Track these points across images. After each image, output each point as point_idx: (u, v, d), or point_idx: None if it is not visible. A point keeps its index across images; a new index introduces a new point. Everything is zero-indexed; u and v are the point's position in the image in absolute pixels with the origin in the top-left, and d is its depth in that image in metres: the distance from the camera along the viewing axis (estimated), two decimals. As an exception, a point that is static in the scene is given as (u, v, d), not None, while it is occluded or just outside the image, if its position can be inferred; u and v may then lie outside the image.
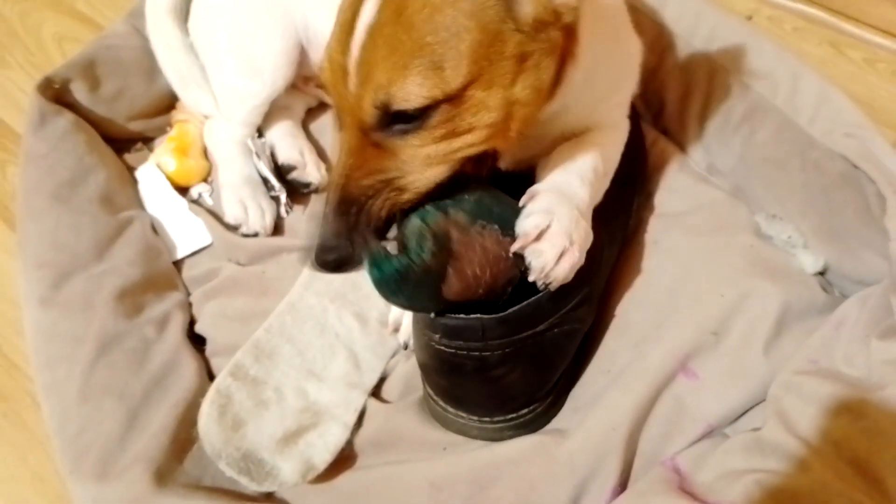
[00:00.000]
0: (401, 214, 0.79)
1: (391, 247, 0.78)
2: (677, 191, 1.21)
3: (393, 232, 0.79)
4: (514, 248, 0.80)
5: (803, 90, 1.16)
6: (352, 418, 0.99)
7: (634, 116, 1.18)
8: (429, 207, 0.79)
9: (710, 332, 1.00)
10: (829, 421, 0.87)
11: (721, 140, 1.22)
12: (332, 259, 0.77)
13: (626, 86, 1.04)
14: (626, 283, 1.09)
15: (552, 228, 0.80)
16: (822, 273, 1.10)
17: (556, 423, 0.99)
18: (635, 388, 0.96)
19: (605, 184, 0.97)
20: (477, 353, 0.85)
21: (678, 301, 1.05)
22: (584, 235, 0.84)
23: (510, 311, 0.83)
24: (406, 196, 0.78)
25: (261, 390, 1.00)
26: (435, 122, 0.74)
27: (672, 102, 1.28)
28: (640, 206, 1.18)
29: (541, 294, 0.84)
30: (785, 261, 1.10)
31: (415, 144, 0.76)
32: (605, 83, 0.96)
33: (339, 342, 1.06)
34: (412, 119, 0.74)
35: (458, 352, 0.85)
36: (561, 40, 0.80)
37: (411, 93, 0.72)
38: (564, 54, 0.83)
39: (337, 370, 1.03)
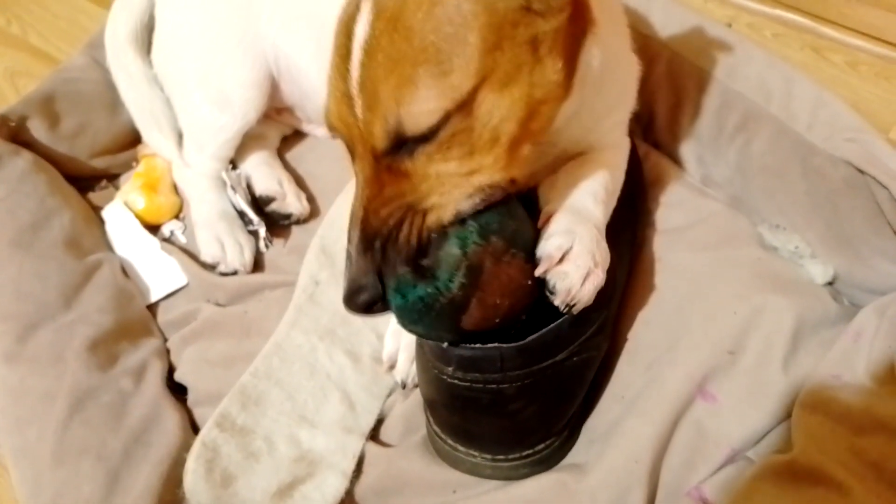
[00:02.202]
0: (441, 233, 0.72)
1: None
2: (675, 205, 1.17)
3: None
4: (539, 272, 0.75)
5: (798, 96, 1.13)
6: (350, 465, 0.92)
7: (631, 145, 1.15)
8: (471, 229, 0.72)
9: (726, 352, 0.95)
10: (864, 440, 0.83)
11: (715, 150, 1.19)
12: (364, 300, 0.72)
13: (627, 102, 0.99)
14: (633, 303, 1.04)
15: (575, 249, 0.77)
16: (830, 283, 1.07)
17: (572, 456, 0.94)
18: (653, 415, 0.91)
19: (614, 202, 0.93)
20: (494, 386, 0.80)
21: (689, 320, 1.00)
22: (605, 255, 0.81)
23: (530, 338, 0.78)
24: (432, 219, 0.72)
25: (250, 441, 0.94)
26: (447, 136, 0.68)
27: (662, 114, 1.25)
28: (640, 223, 1.13)
29: (562, 319, 0.79)
30: (794, 272, 1.06)
31: (429, 163, 0.69)
32: (609, 95, 0.92)
33: (331, 383, 1.00)
34: (425, 137, 0.68)
35: (474, 385, 0.80)
36: (571, 12, 0.73)
37: (421, 111, 0.66)
38: (577, 33, 0.76)
39: (330, 414, 0.97)
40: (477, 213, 0.73)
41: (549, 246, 0.77)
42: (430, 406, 0.91)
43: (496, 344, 0.77)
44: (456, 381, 0.80)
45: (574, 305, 0.76)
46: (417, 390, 0.97)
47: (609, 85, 0.90)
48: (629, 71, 0.98)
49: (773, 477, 0.85)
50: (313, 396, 0.99)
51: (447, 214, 0.72)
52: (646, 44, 1.23)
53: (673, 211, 1.16)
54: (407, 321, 0.74)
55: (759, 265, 1.06)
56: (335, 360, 1.02)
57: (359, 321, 1.03)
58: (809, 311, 1.00)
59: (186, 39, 1.20)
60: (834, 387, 0.91)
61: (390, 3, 0.66)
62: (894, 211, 0.97)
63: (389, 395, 1.01)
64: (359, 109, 0.68)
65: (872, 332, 0.95)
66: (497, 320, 0.75)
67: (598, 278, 0.77)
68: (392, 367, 1.01)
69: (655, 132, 1.27)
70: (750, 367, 0.95)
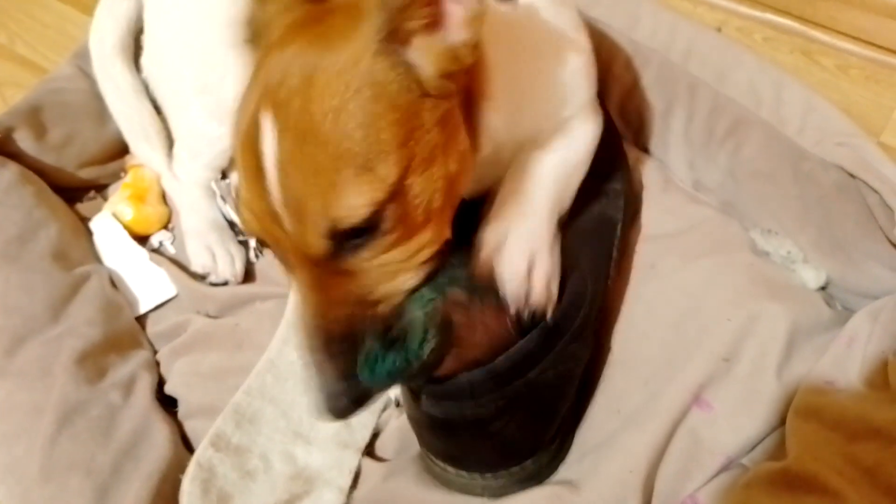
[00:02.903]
0: (398, 306, 0.73)
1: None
2: (666, 211, 1.16)
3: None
4: (478, 268, 0.76)
5: (788, 100, 1.12)
6: (346, 481, 0.92)
7: (611, 128, 1.14)
8: (425, 291, 0.73)
9: (721, 359, 0.95)
10: (858, 447, 0.82)
11: (706, 155, 1.18)
12: (345, 404, 0.71)
13: (576, 96, 0.96)
14: (625, 312, 1.03)
15: (508, 240, 0.79)
16: (823, 288, 1.06)
17: (565, 471, 0.92)
18: (649, 427, 0.91)
19: (576, 180, 0.94)
20: (469, 412, 0.79)
21: (684, 330, 1.00)
22: (549, 238, 0.83)
23: (497, 361, 0.77)
24: (386, 306, 0.72)
25: (246, 459, 0.93)
26: (387, 226, 0.68)
27: (652, 120, 1.24)
28: (626, 227, 1.11)
29: (527, 337, 0.79)
30: (786, 278, 1.06)
31: (372, 258, 0.70)
32: (541, 105, 0.91)
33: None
34: (362, 232, 0.68)
35: (450, 412, 0.79)
36: (464, 83, 0.75)
37: (352, 206, 0.65)
38: (472, 96, 0.78)
39: (326, 430, 0.96)
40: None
41: (483, 248, 0.79)
42: (416, 430, 0.90)
43: (464, 374, 0.76)
44: (433, 412, 0.80)
45: (537, 311, 0.77)
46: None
47: (536, 92, 0.89)
48: (563, 63, 0.93)
49: (767, 485, 0.84)
50: (308, 413, 0.97)
51: (399, 296, 0.73)
52: (634, 51, 1.22)
53: (665, 217, 1.15)
54: (381, 385, 0.72)
55: (751, 271, 1.05)
56: None
57: None
58: (803, 316, 1.00)
59: (183, 47, 1.17)
60: (828, 393, 0.91)
61: (294, 118, 0.65)
62: (886, 215, 0.96)
63: (385, 409, 1.00)
64: (287, 224, 0.67)
65: (866, 337, 0.95)
66: (474, 366, 0.76)
67: (545, 263, 0.78)
68: None
69: (646, 137, 1.26)
70: (744, 375, 0.95)
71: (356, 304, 0.70)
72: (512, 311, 0.77)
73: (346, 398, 0.71)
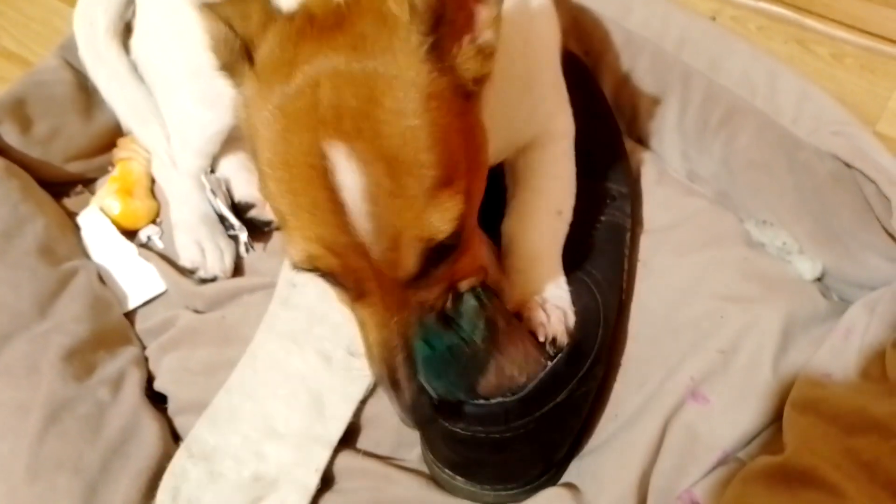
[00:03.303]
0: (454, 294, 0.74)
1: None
2: (660, 203, 1.15)
3: None
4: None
5: (782, 89, 1.11)
6: (314, 480, 0.90)
7: (616, 134, 1.13)
8: (479, 289, 0.76)
9: (717, 351, 0.94)
10: (856, 440, 0.81)
11: (700, 146, 1.17)
12: (427, 413, 0.73)
13: (548, 53, 0.98)
14: (621, 317, 1.02)
15: (529, 304, 0.85)
16: (819, 279, 1.05)
17: (566, 474, 0.93)
18: (645, 425, 0.91)
19: (564, 220, 0.96)
20: (497, 436, 0.80)
21: (677, 327, 0.99)
22: (562, 280, 0.90)
23: (531, 388, 0.78)
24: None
25: (218, 461, 0.93)
26: (464, 234, 0.70)
27: (645, 109, 1.23)
28: (632, 231, 1.11)
29: (556, 360, 0.81)
30: (781, 269, 1.05)
31: (452, 264, 0.72)
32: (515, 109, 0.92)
33: (303, 386, 0.97)
34: (449, 245, 0.68)
35: (476, 435, 0.79)
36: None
37: (444, 221, 0.66)
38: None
39: (298, 422, 0.94)
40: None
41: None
42: (428, 440, 0.90)
43: (500, 399, 0.77)
44: (458, 430, 0.80)
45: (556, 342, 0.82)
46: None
47: (520, 63, 0.90)
48: (532, 32, 0.94)
49: (764, 479, 0.83)
50: (286, 403, 0.96)
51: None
52: (627, 40, 1.21)
53: (658, 210, 1.14)
54: (432, 374, 0.72)
55: (746, 264, 1.04)
56: (308, 362, 0.99)
57: (337, 317, 1.00)
58: (799, 308, 0.99)
59: (176, 33, 1.13)
60: (825, 385, 0.90)
61: (369, 144, 0.63)
62: (882, 205, 0.95)
63: (365, 398, 0.97)
64: (376, 253, 0.66)
65: (863, 329, 0.94)
66: (509, 392, 0.77)
67: (565, 307, 0.86)
68: None
69: (639, 128, 1.25)
70: (740, 368, 0.94)
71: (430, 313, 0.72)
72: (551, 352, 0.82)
73: (428, 409, 0.73)
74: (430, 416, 0.73)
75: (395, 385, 0.72)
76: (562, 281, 0.90)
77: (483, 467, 0.86)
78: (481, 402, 0.76)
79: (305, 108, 0.64)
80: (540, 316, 0.83)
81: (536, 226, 0.94)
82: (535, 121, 0.97)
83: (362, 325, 0.73)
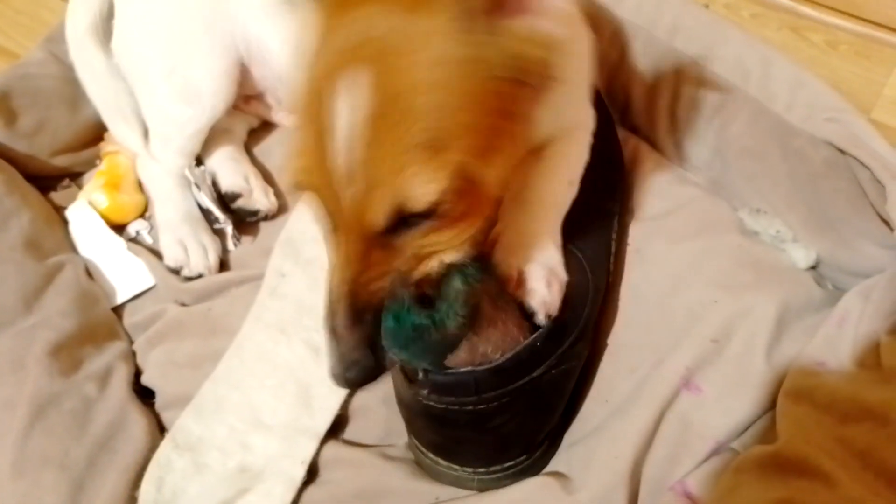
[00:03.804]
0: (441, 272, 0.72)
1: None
2: (653, 192, 1.14)
3: None
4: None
5: (776, 76, 1.10)
6: (300, 472, 0.89)
7: (609, 122, 1.12)
8: (472, 268, 0.73)
9: (710, 340, 0.93)
10: (850, 429, 0.80)
11: (693, 134, 1.16)
12: (357, 375, 0.72)
13: (583, 82, 0.96)
14: (612, 302, 1.01)
15: (528, 270, 0.81)
16: (813, 267, 1.04)
17: (554, 462, 0.91)
18: (636, 413, 0.89)
19: (573, 191, 0.93)
20: (471, 408, 0.77)
21: (671, 315, 0.98)
22: (559, 250, 0.86)
23: (505, 359, 0.76)
24: (421, 277, 0.72)
25: (204, 452, 0.91)
26: (444, 210, 0.67)
27: (638, 98, 1.22)
28: (623, 217, 1.10)
29: (535, 335, 0.78)
30: (775, 258, 1.04)
31: (425, 236, 0.69)
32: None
33: (291, 377, 0.96)
34: (422, 215, 0.66)
35: (450, 407, 0.78)
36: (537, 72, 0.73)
37: (422, 193, 0.64)
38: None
39: (285, 414, 0.93)
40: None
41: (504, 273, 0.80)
42: (408, 421, 0.89)
43: (469, 368, 0.75)
44: (432, 403, 0.78)
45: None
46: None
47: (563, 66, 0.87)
48: (581, 45, 0.94)
49: (758, 469, 0.82)
50: (273, 394, 0.95)
51: (436, 272, 0.72)
52: (619, 28, 1.20)
53: (651, 198, 1.13)
54: (393, 344, 0.71)
55: (739, 252, 1.03)
56: (296, 353, 0.98)
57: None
58: (792, 296, 0.97)
59: (151, 30, 1.15)
60: (819, 374, 0.89)
61: (382, 85, 0.63)
62: (877, 191, 0.94)
63: (353, 394, 0.96)
64: (350, 190, 0.65)
65: (857, 317, 0.92)
66: (480, 364, 0.75)
67: (559, 278, 0.82)
68: None
69: (632, 116, 1.24)
70: (734, 357, 0.93)
71: (392, 279, 0.70)
72: (541, 318, 0.79)
73: (360, 369, 0.71)
74: (359, 377, 0.71)
75: (331, 332, 0.71)
76: (559, 250, 0.87)
77: (463, 446, 0.85)
78: (450, 370, 0.74)
79: (344, 38, 0.65)
80: (542, 289, 0.80)
81: (550, 187, 0.91)
82: (565, 114, 0.95)
83: (330, 265, 0.72)
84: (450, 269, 0.72)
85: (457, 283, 0.72)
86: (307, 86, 0.67)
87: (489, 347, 0.74)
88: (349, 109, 0.63)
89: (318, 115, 0.65)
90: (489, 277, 0.75)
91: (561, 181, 0.93)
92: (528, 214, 0.87)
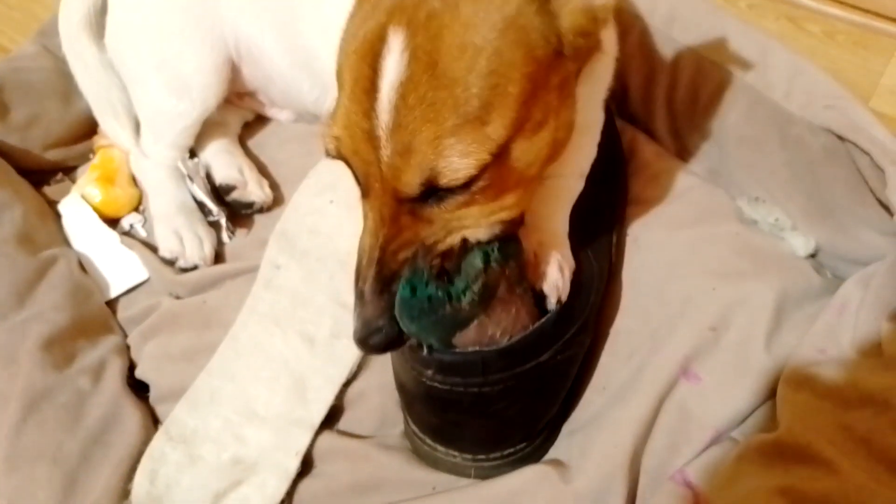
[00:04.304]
0: (464, 247, 0.71)
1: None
2: (651, 181, 1.13)
3: None
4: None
5: (774, 65, 1.09)
6: (293, 464, 0.88)
7: (608, 115, 1.12)
8: (494, 248, 0.72)
9: (708, 329, 0.92)
10: (851, 416, 0.80)
11: (691, 123, 1.15)
12: (380, 341, 0.72)
13: (604, 84, 0.95)
14: (611, 290, 1.00)
15: (545, 259, 0.81)
16: (812, 255, 1.03)
17: (553, 450, 0.90)
18: (634, 401, 0.88)
19: (582, 184, 0.92)
20: (476, 389, 0.77)
21: (668, 302, 0.97)
22: (567, 240, 0.85)
23: (514, 341, 0.75)
24: (447, 249, 0.71)
25: (197, 444, 0.90)
26: (479, 186, 0.66)
27: (636, 88, 1.21)
28: (622, 208, 1.10)
29: (544, 319, 0.78)
30: (774, 246, 1.03)
31: (455, 209, 0.68)
32: (588, 85, 0.88)
33: (286, 369, 0.95)
34: (458, 188, 0.66)
35: (454, 388, 0.77)
36: (592, 49, 0.74)
37: (459, 167, 0.63)
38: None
39: (279, 406, 0.92)
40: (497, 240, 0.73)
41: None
42: (408, 405, 0.88)
43: (477, 348, 0.74)
44: (436, 384, 0.77)
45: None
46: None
47: (588, 75, 0.86)
48: (609, 53, 0.93)
49: (758, 457, 0.81)
50: (267, 386, 0.94)
51: (459, 251, 0.72)
52: (617, 16, 1.19)
53: (648, 188, 1.12)
54: (405, 314, 0.70)
55: (738, 240, 1.02)
56: (290, 344, 0.97)
57: (320, 299, 1.00)
58: (792, 285, 0.97)
59: (142, 24, 1.15)
60: (819, 361, 0.88)
61: (428, 46, 0.62)
62: (877, 177, 0.93)
63: (349, 381, 0.95)
64: (386, 152, 0.65)
65: (857, 304, 0.92)
66: (485, 346, 0.74)
67: (569, 266, 0.81)
68: None
69: (629, 106, 1.23)
70: (732, 345, 0.92)
71: (419, 248, 0.69)
72: (552, 303, 0.79)
73: (383, 336, 0.70)
74: (380, 343, 0.71)
75: (359, 295, 0.71)
76: (567, 239, 0.88)
77: (464, 430, 0.84)
78: (457, 350, 0.74)
79: (388, 0, 0.64)
80: (555, 275, 0.80)
81: (560, 181, 0.91)
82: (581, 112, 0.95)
83: (363, 228, 0.72)
84: (473, 248, 0.71)
85: (477, 262, 0.71)
86: (350, 47, 0.66)
87: (498, 331, 0.74)
88: (395, 67, 0.62)
89: (360, 77, 0.64)
90: (512, 262, 0.74)
91: (572, 175, 0.92)
92: (542, 205, 0.87)
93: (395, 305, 0.69)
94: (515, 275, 0.74)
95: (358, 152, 0.67)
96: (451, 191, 0.66)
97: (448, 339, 0.73)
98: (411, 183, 0.65)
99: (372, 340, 0.71)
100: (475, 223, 0.70)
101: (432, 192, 0.66)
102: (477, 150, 0.63)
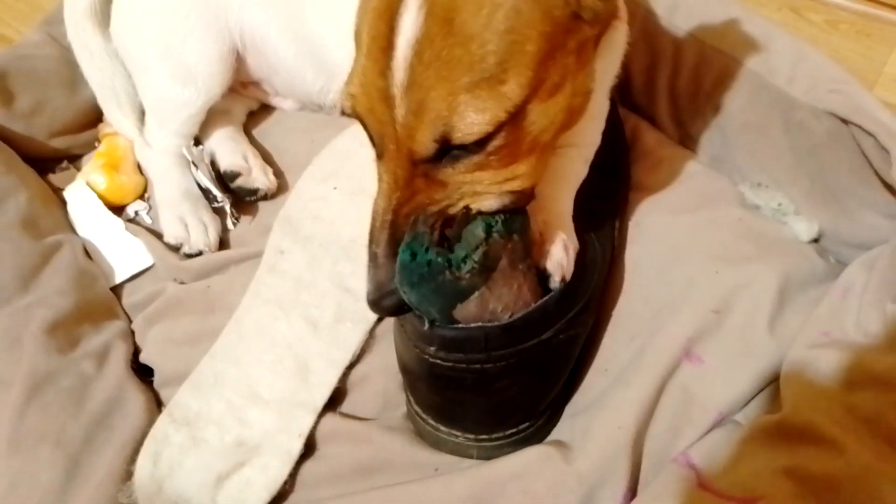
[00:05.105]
0: (468, 215, 0.71)
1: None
2: (654, 168, 1.13)
3: None
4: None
5: (777, 50, 1.09)
6: (296, 446, 0.88)
7: (611, 102, 1.12)
8: (498, 220, 0.72)
9: (711, 311, 0.92)
10: (856, 396, 0.79)
11: (694, 110, 1.15)
12: (391, 304, 0.72)
13: (613, 71, 0.95)
14: (613, 274, 1.00)
15: (550, 238, 0.80)
16: (816, 240, 1.03)
17: (556, 432, 0.90)
18: (636, 382, 0.88)
19: (586, 170, 0.93)
20: (478, 366, 0.77)
21: (670, 285, 0.97)
22: (571, 220, 0.86)
23: (516, 317, 0.75)
24: (447, 224, 0.71)
25: (201, 427, 0.91)
26: (494, 146, 0.66)
27: (638, 75, 1.21)
28: (625, 193, 1.10)
29: (548, 297, 0.78)
30: (777, 231, 1.03)
31: (469, 172, 0.68)
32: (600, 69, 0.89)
33: (289, 352, 0.95)
34: (473, 148, 0.66)
35: (457, 365, 0.76)
36: (612, 14, 0.74)
37: (474, 122, 0.63)
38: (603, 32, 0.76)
39: (282, 388, 0.92)
40: (503, 213, 0.73)
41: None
42: (411, 386, 0.88)
43: (480, 324, 0.74)
44: (438, 361, 0.77)
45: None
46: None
47: (601, 59, 0.86)
48: (618, 37, 0.93)
49: (763, 438, 0.81)
50: (271, 369, 0.94)
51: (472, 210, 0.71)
52: (619, 3, 1.18)
53: (651, 174, 1.12)
54: (405, 281, 0.70)
55: (740, 225, 1.02)
56: (294, 328, 0.97)
57: (324, 284, 1.00)
58: (795, 269, 0.97)
59: (147, 12, 1.15)
60: (823, 344, 0.88)
61: (445, 3, 0.62)
62: (881, 158, 0.93)
63: (352, 364, 0.95)
64: (400, 111, 0.65)
65: (861, 287, 0.92)
66: (486, 322, 0.74)
67: (574, 245, 0.81)
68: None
69: (632, 94, 1.23)
70: (736, 327, 0.92)
71: (423, 213, 0.69)
72: (556, 281, 0.79)
73: (398, 298, 0.70)
74: (393, 305, 0.71)
75: (372, 258, 0.71)
76: (571, 222, 0.87)
77: (466, 410, 0.84)
78: (460, 326, 0.73)
79: None
80: (560, 253, 0.80)
81: (567, 163, 0.91)
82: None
83: (377, 191, 0.72)
84: (476, 217, 0.71)
85: (479, 231, 0.71)
86: (369, 5, 0.66)
87: (500, 306, 0.73)
88: (411, 24, 0.62)
89: (378, 35, 0.64)
90: (516, 237, 0.73)
91: (578, 159, 0.93)
92: (548, 186, 0.86)
93: (396, 271, 0.69)
94: (519, 250, 0.74)
95: (373, 111, 0.67)
96: (465, 150, 0.66)
97: (449, 312, 0.72)
98: (425, 142, 0.65)
99: (384, 303, 0.71)
100: (487, 189, 0.70)
101: (446, 151, 0.66)
102: (493, 106, 0.63)
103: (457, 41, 0.61)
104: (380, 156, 0.70)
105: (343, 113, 0.70)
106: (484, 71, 0.62)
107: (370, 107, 0.67)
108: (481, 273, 0.71)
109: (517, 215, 0.74)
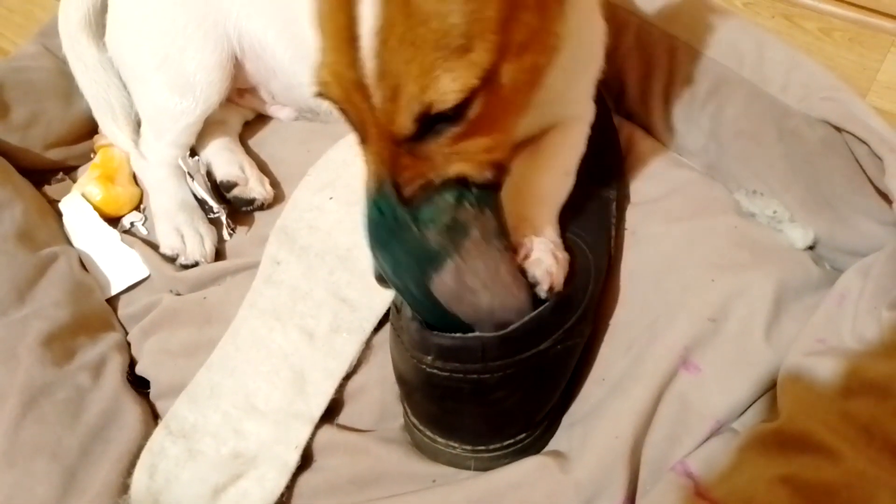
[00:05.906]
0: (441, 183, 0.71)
1: None
2: (648, 176, 1.14)
3: None
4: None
5: (770, 58, 1.09)
6: (293, 457, 0.88)
7: (605, 111, 1.12)
8: (470, 194, 0.71)
9: (707, 319, 0.92)
10: (853, 404, 0.79)
11: (688, 118, 1.16)
12: None
13: (594, 67, 0.97)
14: (609, 283, 1.00)
15: (533, 248, 0.81)
16: (811, 247, 1.04)
17: (553, 442, 0.90)
18: (634, 391, 0.88)
19: (570, 182, 0.94)
20: (475, 376, 0.76)
21: (666, 293, 0.97)
22: (557, 229, 0.87)
23: (513, 327, 0.75)
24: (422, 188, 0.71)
25: (197, 439, 0.90)
26: (473, 113, 0.66)
27: (633, 84, 1.22)
28: (620, 203, 1.10)
29: (543, 307, 0.77)
30: (773, 238, 1.03)
31: (453, 143, 0.68)
32: (578, 57, 0.89)
33: (286, 363, 0.95)
34: (449, 118, 0.66)
35: (454, 375, 0.76)
36: None
37: (447, 91, 0.63)
38: None
39: (279, 399, 0.92)
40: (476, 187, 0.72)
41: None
42: (407, 396, 0.87)
43: (477, 333, 0.74)
44: (435, 371, 0.77)
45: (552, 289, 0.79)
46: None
47: (578, 46, 0.87)
48: (597, 33, 0.95)
49: (760, 446, 0.81)
50: (267, 380, 0.94)
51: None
52: (614, 12, 1.19)
53: (646, 182, 1.12)
54: (375, 240, 0.70)
55: (736, 233, 1.03)
56: (290, 339, 0.97)
57: (320, 294, 1.00)
58: (791, 276, 0.97)
59: (143, 22, 1.15)
60: (819, 351, 0.88)
61: None
62: (875, 165, 0.94)
63: (349, 375, 0.95)
64: (376, 99, 0.65)
65: (857, 294, 0.92)
66: (476, 315, 0.74)
67: (562, 255, 0.82)
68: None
69: (627, 103, 1.23)
70: (732, 335, 0.92)
71: (419, 188, 0.70)
72: (544, 289, 0.78)
73: None
74: None
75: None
76: (558, 234, 0.88)
77: (463, 420, 0.83)
78: (457, 335, 0.74)
79: None
80: (549, 260, 0.80)
81: (547, 179, 0.92)
82: (570, 99, 0.97)
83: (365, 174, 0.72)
84: (447, 185, 0.70)
85: (448, 197, 0.70)
86: (329, 4, 0.66)
87: (477, 283, 0.72)
88: (370, 12, 0.62)
89: (339, 27, 0.64)
90: (487, 211, 0.73)
91: (557, 172, 0.93)
92: (526, 206, 0.87)
93: (367, 229, 0.69)
94: (492, 225, 0.73)
95: (349, 100, 0.67)
96: (446, 120, 0.66)
97: (424, 281, 0.71)
98: (406, 123, 0.65)
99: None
100: (468, 159, 0.70)
101: (428, 126, 0.66)
102: (464, 75, 0.63)
103: (418, 21, 0.61)
104: (362, 140, 0.71)
105: (319, 95, 0.69)
106: (450, 44, 0.62)
107: (345, 97, 0.67)
108: (450, 236, 0.70)
109: (490, 191, 0.73)
